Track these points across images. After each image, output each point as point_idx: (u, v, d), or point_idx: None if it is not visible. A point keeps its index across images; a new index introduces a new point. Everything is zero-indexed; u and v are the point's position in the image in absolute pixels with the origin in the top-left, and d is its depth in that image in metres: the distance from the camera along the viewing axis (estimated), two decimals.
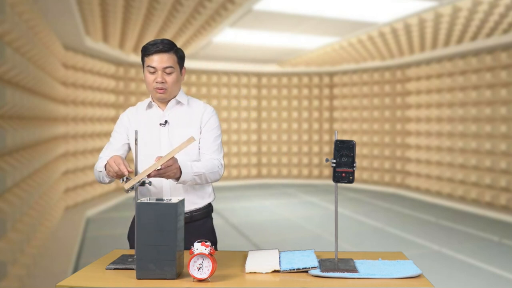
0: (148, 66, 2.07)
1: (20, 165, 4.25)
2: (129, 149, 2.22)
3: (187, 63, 9.34)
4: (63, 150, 7.10)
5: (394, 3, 5.76)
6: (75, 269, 4.61)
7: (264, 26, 7.01)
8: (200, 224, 2.18)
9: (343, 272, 1.67)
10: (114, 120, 8.94)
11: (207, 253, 1.62)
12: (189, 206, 2.12)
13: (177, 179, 1.95)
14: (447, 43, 7.95)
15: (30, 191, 4.55)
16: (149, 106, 2.17)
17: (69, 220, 6.70)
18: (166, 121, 2.12)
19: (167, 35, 7.51)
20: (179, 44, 8.27)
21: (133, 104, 9.10)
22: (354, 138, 10.52)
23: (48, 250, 5.13)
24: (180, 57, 2.13)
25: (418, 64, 9.32)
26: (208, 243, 1.66)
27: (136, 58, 9.22)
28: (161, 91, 2.08)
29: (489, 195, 7.60)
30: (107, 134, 8.70)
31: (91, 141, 8.01)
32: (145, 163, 2.08)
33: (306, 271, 1.72)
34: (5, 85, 3.90)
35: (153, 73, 2.07)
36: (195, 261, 1.62)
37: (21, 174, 4.26)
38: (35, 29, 5.06)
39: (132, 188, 1.80)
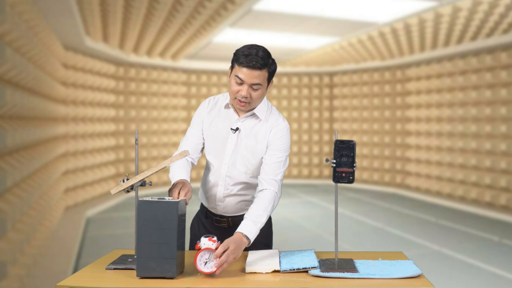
0: (236, 76, 1.95)
1: (20, 165, 4.25)
2: (203, 144, 2.18)
3: (187, 63, 9.27)
4: (63, 150, 7.10)
5: (394, 3, 5.76)
6: (75, 269, 4.61)
7: (264, 26, 7.00)
8: None
9: (343, 272, 1.67)
10: (114, 120, 8.94)
11: (214, 248, 1.65)
12: (237, 212, 2.12)
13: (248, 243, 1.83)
14: (447, 43, 7.96)
15: (30, 191, 4.55)
16: (227, 106, 2.11)
17: (69, 220, 6.70)
18: (237, 128, 2.07)
19: (167, 35, 7.51)
20: (179, 44, 8.27)
21: (133, 105, 8.98)
22: (354, 138, 10.53)
23: (48, 250, 5.13)
24: (271, 72, 2.01)
25: (418, 64, 9.32)
26: (215, 238, 1.69)
27: (136, 58, 9.21)
28: (243, 104, 2.00)
29: (489, 195, 7.59)
30: (107, 134, 8.70)
31: (91, 141, 8.01)
32: (210, 167, 2.11)
33: (306, 271, 1.72)
34: (5, 85, 3.90)
35: (240, 84, 1.96)
36: (202, 256, 1.65)
37: (21, 174, 4.26)
38: (35, 29, 5.06)
39: (129, 190, 1.83)
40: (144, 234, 1.66)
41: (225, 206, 2.10)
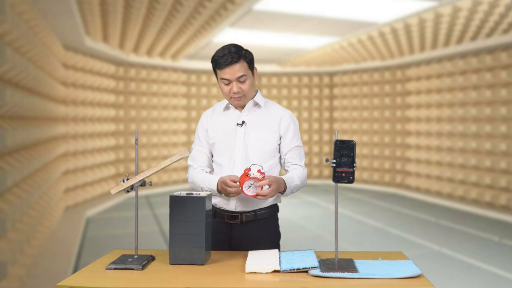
0: (222, 78, 2.11)
1: (20, 165, 4.25)
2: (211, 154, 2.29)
3: (187, 63, 9.26)
4: (63, 150, 7.10)
5: (394, 3, 5.76)
6: (75, 269, 4.61)
7: (264, 26, 7.01)
8: (264, 223, 2.18)
9: (343, 272, 1.67)
10: (114, 120, 8.94)
11: (260, 178, 1.93)
12: (250, 207, 2.14)
13: (281, 192, 2.08)
14: (447, 43, 7.96)
15: (30, 191, 4.55)
16: (227, 107, 2.22)
17: (69, 220, 6.70)
18: (243, 122, 2.16)
19: (167, 35, 7.51)
20: (179, 44, 8.28)
21: (133, 105, 8.98)
22: (354, 138, 10.52)
23: (48, 250, 5.13)
24: (250, 60, 2.14)
25: (418, 64, 9.32)
26: (264, 171, 1.96)
27: (136, 58, 9.22)
28: (238, 98, 2.13)
29: (489, 195, 7.59)
30: (107, 134, 8.70)
31: (91, 141, 8.01)
32: (221, 164, 2.16)
33: (306, 271, 1.72)
34: (5, 85, 3.90)
35: (227, 84, 2.11)
36: (248, 181, 1.94)
37: (21, 174, 4.26)
38: (35, 29, 5.06)
39: (129, 190, 1.87)
40: (175, 226, 1.83)
41: (238, 199, 2.13)
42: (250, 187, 1.94)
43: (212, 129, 2.22)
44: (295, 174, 2.13)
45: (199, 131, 2.28)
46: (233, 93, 2.10)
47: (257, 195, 1.93)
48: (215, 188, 2.07)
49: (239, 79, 2.09)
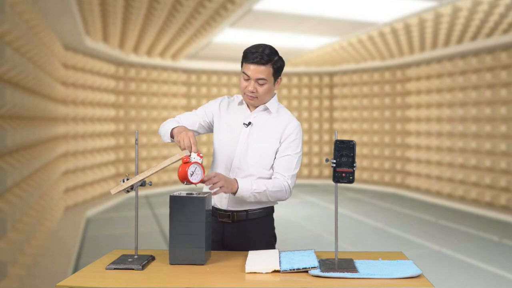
0: (244, 72, 2.11)
1: (20, 165, 4.25)
2: (204, 130, 2.28)
3: (187, 63, 9.24)
4: (63, 150, 7.10)
5: (394, 3, 5.76)
6: (75, 269, 4.61)
7: (264, 26, 7.01)
8: (257, 223, 2.17)
9: (343, 272, 1.67)
10: (114, 120, 8.94)
11: (200, 162, 1.89)
12: (243, 207, 2.14)
13: (234, 193, 2.00)
14: (447, 43, 7.96)
15: (30, 191, 4.55)
16: (241, 103, 2.23)
17: (69, 220, 6.70)
18: (250, 123, 2.16)
19: (167, 35, 7.51)
20: (179, 44, 8.28)
21: (133, 105, 8.97)
22: (354, 138, 10.52)
23: (48, 250, 5.14)
24: (277, 68, 2.12)
25: (418, 64, 9.32)
26: (201, 154, 1.91)
27: (136, 58, 9.22)
28: (251, 98, 2.13)
29: (489, 195, 7.59)
30: (107, 134, 8.69)
31: (91, 141, 8.01)
32: (220, 159, 2.17)
33: (306, 271, 1.72)
34: (5, 85, 3.90)
35: (246, 80, 2.11)
36: (189, 169, 1.87)
37: (21, 174, 4.26)
38: (35, 29, 5.06)
39: (129, 190, 1.87)
40: (175, 226, 1.83)
41: (231, 199, 2.12)
42: (192, 174, 1.88)
43: (218, 121, 2.22)
44: (264, 181, 2.05)
45: (205, 107, 2.27)
46: (248, 90, 2.10)
47: (202, 180, 1.89)
48: (169, 130, 2.10)
49: (258, 81, 2.09)
